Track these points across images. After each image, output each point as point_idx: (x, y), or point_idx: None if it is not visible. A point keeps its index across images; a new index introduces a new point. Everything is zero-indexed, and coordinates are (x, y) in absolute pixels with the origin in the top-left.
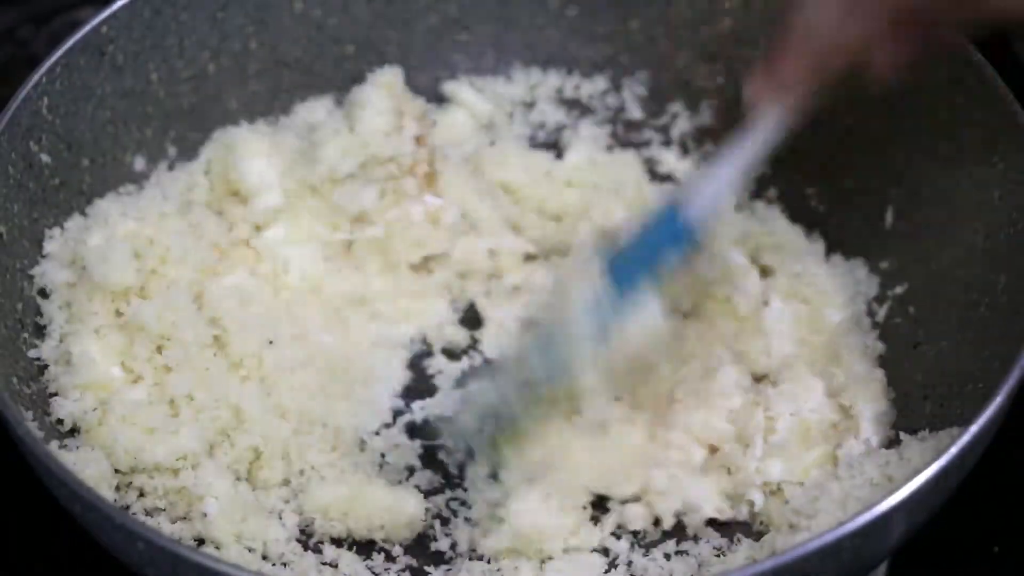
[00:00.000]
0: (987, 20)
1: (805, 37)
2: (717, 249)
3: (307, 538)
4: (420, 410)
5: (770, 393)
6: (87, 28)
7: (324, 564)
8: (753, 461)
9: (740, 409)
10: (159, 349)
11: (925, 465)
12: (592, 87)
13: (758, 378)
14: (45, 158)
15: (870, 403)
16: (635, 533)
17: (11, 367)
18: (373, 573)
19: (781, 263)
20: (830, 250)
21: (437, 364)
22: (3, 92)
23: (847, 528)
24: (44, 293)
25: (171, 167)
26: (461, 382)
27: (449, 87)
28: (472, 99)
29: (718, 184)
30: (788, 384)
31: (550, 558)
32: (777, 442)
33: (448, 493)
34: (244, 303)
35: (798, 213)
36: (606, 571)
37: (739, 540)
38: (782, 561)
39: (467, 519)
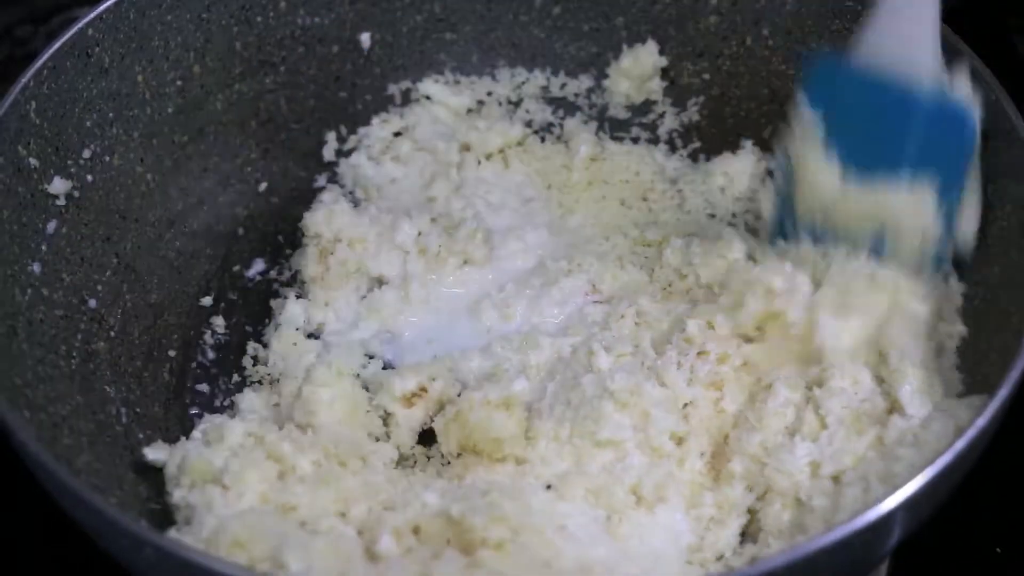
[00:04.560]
0: None
1: None
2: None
3: None
4: None
5: (819, 393)
6: (73, 30)
7: None
8: (804, 458)
9: (794, 421)
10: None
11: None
12: (578, 85)
13: (808, 383)
14: (33, 162)
15: (910, 379)
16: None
17: (7, 373)
18: None
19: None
20: None
21: None
22: (1, 90)
23: (855, 525)
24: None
25: None
26: None
27: (425, 85)
28: (449, 97)
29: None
30: (836, 380)
31: None
32: (828, 435)
33: None
34: None
35: None
36: None
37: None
38: (790, 559)
39: None
